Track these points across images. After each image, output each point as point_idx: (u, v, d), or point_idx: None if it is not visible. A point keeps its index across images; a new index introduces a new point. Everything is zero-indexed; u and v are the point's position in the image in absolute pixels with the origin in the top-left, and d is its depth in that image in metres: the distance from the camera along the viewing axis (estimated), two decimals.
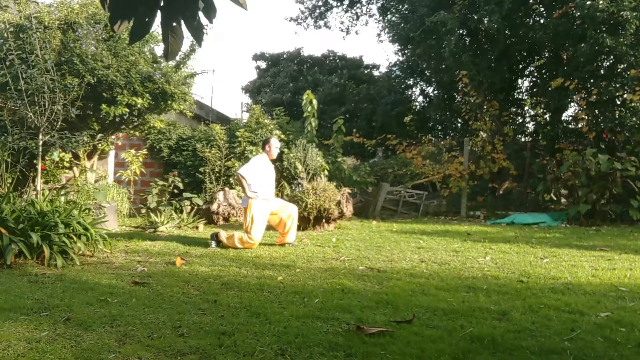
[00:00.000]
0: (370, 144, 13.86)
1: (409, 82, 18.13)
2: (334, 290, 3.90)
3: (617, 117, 10.08)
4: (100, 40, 7.80)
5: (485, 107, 11.97)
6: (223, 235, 6.13)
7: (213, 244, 6.12)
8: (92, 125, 8.08)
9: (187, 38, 1.92)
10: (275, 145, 6.48)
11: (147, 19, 1.84)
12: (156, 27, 1.90)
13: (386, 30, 17.74)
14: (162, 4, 1.82)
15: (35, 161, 6.78)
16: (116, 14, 1.81)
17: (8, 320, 3.05)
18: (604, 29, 9.77)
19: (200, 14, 1.85)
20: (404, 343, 2.71)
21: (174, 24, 1.85)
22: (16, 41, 6.76)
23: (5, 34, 6.83)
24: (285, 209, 6.40)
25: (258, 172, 6.18)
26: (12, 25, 7.21)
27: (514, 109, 13.60)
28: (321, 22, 20.07)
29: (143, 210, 9.21)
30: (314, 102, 11.25)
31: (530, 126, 13.64)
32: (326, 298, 3.66)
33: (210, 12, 1.84)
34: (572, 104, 11.83)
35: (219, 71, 45.95)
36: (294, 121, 12.46)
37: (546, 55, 12.38)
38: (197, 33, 1.88)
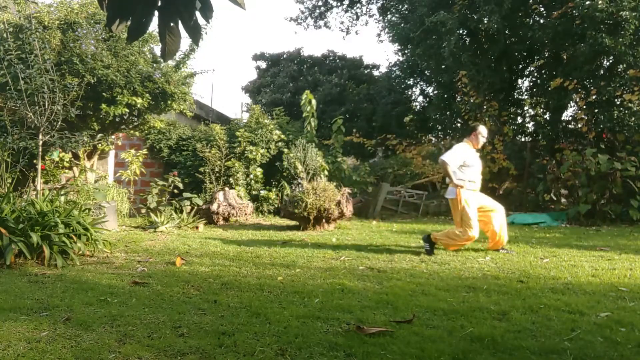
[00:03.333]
0: (370, 144, 13.86)
1: (409, 82, 18.13)
2: (334, 290, 3.90)
3: (616, 117, 10.08)
4: (100, 40, 7.79)
5: (484, 107, 11.96)
6: (436, 235, 5.69)
7: (427, 245, 5.65)
8: (92, 125, 8.08)
9: (185, 37, 1.92)
10: (482, 133, 5.83)
11: (144, 20, 1.84)
12: (155, 26, 1.91)
13: (386, 30, 17.77)
14: (159, 4, 1.82)
15: (35, 161, 6.78)
16: (114, 15, 1.81)
17: (8, 320, 3.05)
18: (603, 29, 9.77)
19: (198, 14, 1.85)
20: (404, 343, 2.71)
21: (172, 24, 1.85)
22: (15, 41, 6.76)
23: (5, 34, 6.82)
24: (493, 207, 5.77)
25: (463, 160, 5.62)
26: (12, 26, 7.20)
27: (514, 109, 13.60)
28: (321, 22, 20.08)
29: (143, 210, 9.21)
30: (313, 102, 11.26)
31: (530, 126, 13.65)
32: (326, 298, 3.66)
33: (208, 12, 1.84)
34: (571, 103, 11.82)
35: (219, 71, 45.99)
36: (294, 121, 12.46)
37: (546, 55, 12.38)
38: (194, 33, 1.88)
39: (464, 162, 5.62)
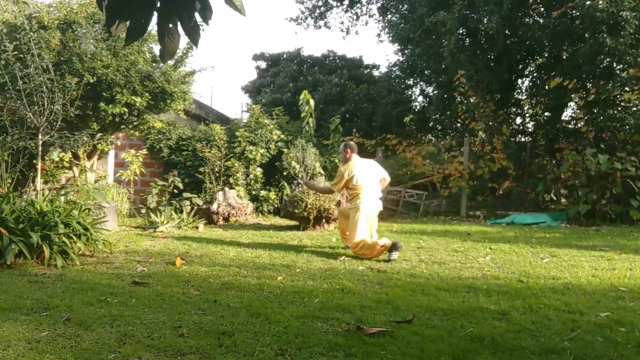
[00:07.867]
0: (370, 144, 13.83)
1: (409, 82, 18.10)
2: (334, 290, 3.90)
3: (616, 117, 10.06)
4: (99, 39, 7.79)
5: (482, 107, 11.95)
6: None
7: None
8: (91, 125, 8.07)
9: (184, 36, 1.92)
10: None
11: (143, 20, 1.84)
12: (154, 25, 1.93)
13: (386, 30, 17.74)
14: (158, 5, 1.82)
15: (35, 161, 6.77)
16: (113, 16, 1.81)
17: (8, 320, 3.05)
18: (603, 29, 9.77)
19: (196, 14, 1.85)
20: (404, 343, 2.71)
21: (170, 25, 1.85)
22: (12, 42, 6.73)
23: (1, 35, 6.81)
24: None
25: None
26: (8, 26, 7.19)
27: (514, 109, 13.59)
28: (321, 22, 20.05)
29: (143, 210, 9.20)
30: (311, 102, 11.26)
31: (530, 126, 13.64)
32: (326, 298, 3.66)
33: (207, 12, 1.84)
34: (571, 103, 11.82)
35: (219, 71, 45.98)
36: (294, 121, 12.45)
37: (546, 55, 12.37)
38: (193, 34, 1.88)
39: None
